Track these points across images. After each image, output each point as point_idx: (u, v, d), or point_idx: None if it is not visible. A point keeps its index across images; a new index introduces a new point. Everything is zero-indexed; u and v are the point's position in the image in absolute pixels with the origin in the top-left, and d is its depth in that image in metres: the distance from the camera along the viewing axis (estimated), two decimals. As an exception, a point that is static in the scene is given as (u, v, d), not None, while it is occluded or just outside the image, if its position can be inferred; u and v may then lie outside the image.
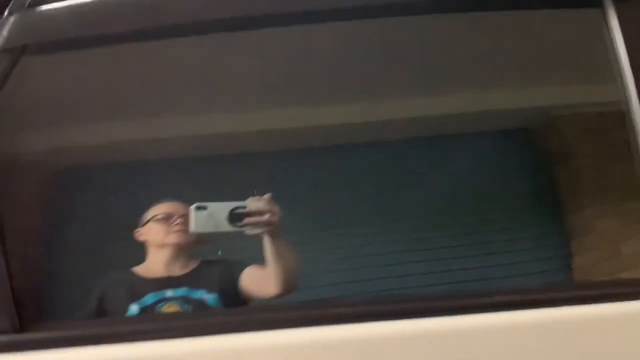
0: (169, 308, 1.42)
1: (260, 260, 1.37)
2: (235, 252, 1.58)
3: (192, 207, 1.22)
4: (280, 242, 1.31)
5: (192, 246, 1.57)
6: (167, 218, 1.55)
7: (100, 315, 1.46)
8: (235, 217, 1.21)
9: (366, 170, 2.40)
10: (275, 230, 1.28)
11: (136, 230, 1.61)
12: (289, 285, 1.35)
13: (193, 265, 1.55)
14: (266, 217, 1.25)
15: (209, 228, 1.22)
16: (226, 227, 1.20)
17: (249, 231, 1.24)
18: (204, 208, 1.21)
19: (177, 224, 1.51)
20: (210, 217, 1.21)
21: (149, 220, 1.59)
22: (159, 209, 1.59)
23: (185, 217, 1.43)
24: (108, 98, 1.90)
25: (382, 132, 2.49)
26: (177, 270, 1.52)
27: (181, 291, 1.45)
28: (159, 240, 1.55)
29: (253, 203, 1.23)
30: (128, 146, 2.30)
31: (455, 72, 2.20)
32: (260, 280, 1.41)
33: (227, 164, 2.34)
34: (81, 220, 2.30)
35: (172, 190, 1.69)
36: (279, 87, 2.14)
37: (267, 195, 1.27)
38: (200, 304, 1.43)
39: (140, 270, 1.56)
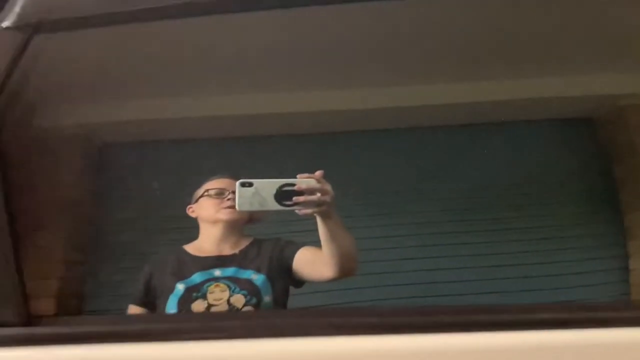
0: (216, 288, 1.38)
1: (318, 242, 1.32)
2: (292, 233, 1.55)
3: (237, 183, 1.14)
4: (334, 223, 1.23)
5: (245, 224, 1.54)
6: (219, 194, 1.52)
7: (149, 292, 1.45)
8: (283, 195, 1.13)
9: (415, 155, 2.30)
10: (328, 211, 1.20)
11: (188, 206, 1.59)
12: (346, 268, 1.29)
13: (245, 243, 1.50)
14: (317, 196, 1.17)
15: (254, 206, 1.14)
16: (273, 205, 1.13)
17: (299, 211, 1.17)
18: (250, 185, 1.13)
19: (228, 199, 1.48)
20: (256, 194, 1.13)
21: (201, 196, 1.55)
22: (212, 185, 1.56)
23: None
24: (146, 75, 1.86)
25: (434, 117, 2.37)
26: (228, 249, 1.48)
27: (230, 271, 1.42)
28: (210, 217, 1.52)
29: (303, 181, 1.15)
30: (173, 123, 2.31)
31: (514, 56, 2.10)
32: (315, 263, 1.36)
33: (273, 144, 2.33)
34: (126, 197, 2.36)
35: (220, 168, 1.66)
36: (332, 68, 2.07)
37: (318, 173, 1.18)
38: (248, 285, 1.39)
39: (190, 248, 1.52)
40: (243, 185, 1.14)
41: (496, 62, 2.15)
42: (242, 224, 1.53)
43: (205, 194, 1.54)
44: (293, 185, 1.14)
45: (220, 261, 1.45)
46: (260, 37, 1.72)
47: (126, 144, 3.07)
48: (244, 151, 2.16)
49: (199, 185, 1.58)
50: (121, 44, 1.60)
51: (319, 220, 1.23)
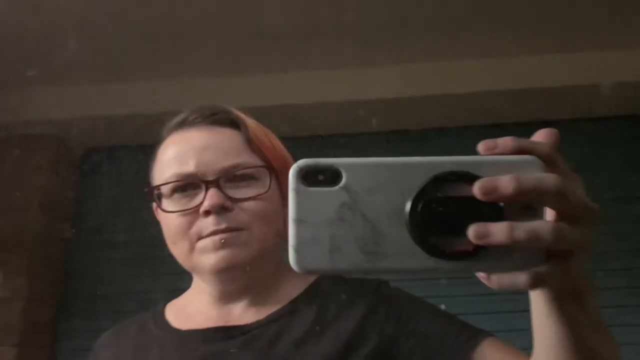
0: None
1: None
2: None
3: (293, 172, 0.39)
4: (582, 310, 0.43)
5: (280, 245, 0.77)
6: (184, 190, 0.74)
7: None
8: (436, 216, 0.38)
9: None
10: (571, 275, 0.39)
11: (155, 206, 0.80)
12: None
13: (285, 296, 0.76)
14: (552, 227, 0.36)
15: (346, 260, 0.38)
16: (409, 258, 0.38)
17: (489, 278, 0.40)
18: (331, 177, 0.39)
19: (214, 215, 0.72)
20: (350, 213, 0.38)
21: (153, 191, 0.77)
22: (168, 159, 0.76)
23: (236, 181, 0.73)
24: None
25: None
26: (245, 312, 0.75)
27: None
28: (181, 256, 0.75)
29: (499, 159, 0.38)
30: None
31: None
32: None
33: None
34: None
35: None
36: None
37: (546, 133, 0.40)
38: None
39: (173, 310, 0.81)
40: (309, 177, 0.39)
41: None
42: (272, 251, 0.76)
43: (156, 191, 0.76)
44: (469, 179, 0.37)
45: (222, 340, 0.72)
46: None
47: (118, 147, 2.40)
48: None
49: None
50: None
51: (541, 299, 0.44)
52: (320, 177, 0.38)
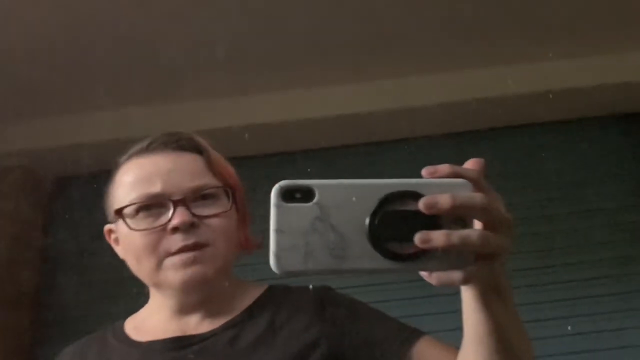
0: None
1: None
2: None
3: (275, 190, 0.47)
4: (503, 306, 0.53)
5: (236, 253, 0.84)
6: (147, 209, 0.78)
7: None
8: (389, 226, 0.46)
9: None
10: (498, 275, 0.51)
11: (106, 227, 0.85)
12: None
13: (239, 305, 0.81)
14: (480, 232, 0.46)
15: (319, 261, 0.46)
16: (366, 259, 0.46)
17: (430, 276, 0.49)
18: (305, 194, 0.47)
19: (182, 230, 0.76)
20: (320, 224, 0.46)
21: (117, 214, 0.80)
22: (129, 182, 0.80)
23: (196, 201, 0.78)
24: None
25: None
26: (201, 322, 0.80)
27: None
28: (146, 276, 0.80)
29: (437, 182, 0.47)
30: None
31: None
32: None
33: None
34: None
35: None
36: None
37: (473, 163, 0.49)
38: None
39: (133, 324, 0.84)
40: (288, 195, 0.46)
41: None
42: (230, 265, 0.82)
43: (123, 212, 0.79)
44: (415, 197, 0.46)
45: (180, 348, 0.76)
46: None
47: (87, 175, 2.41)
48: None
49: None
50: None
51: (470, 295, 0.53)
52: (297, 195, 0.47)
